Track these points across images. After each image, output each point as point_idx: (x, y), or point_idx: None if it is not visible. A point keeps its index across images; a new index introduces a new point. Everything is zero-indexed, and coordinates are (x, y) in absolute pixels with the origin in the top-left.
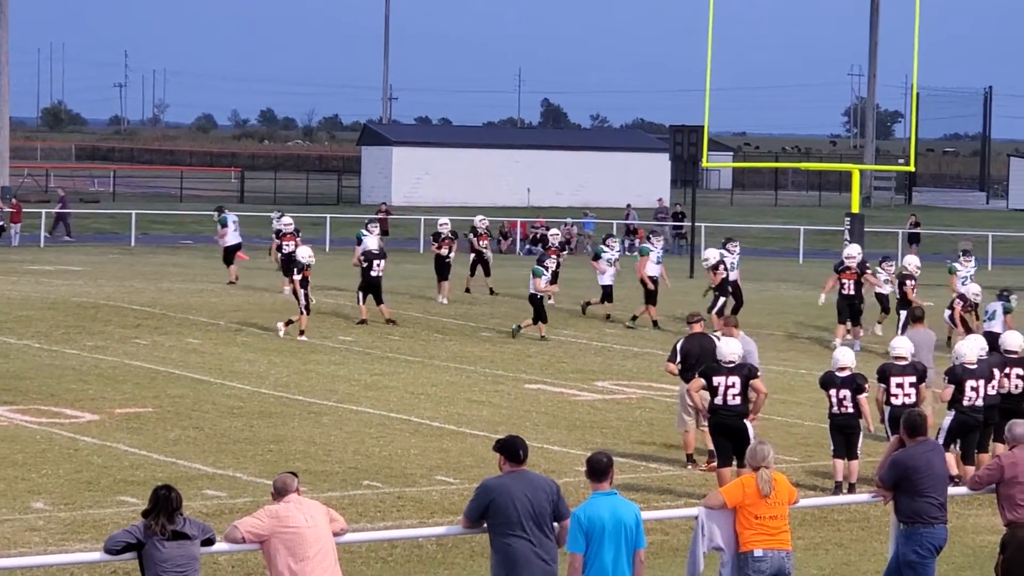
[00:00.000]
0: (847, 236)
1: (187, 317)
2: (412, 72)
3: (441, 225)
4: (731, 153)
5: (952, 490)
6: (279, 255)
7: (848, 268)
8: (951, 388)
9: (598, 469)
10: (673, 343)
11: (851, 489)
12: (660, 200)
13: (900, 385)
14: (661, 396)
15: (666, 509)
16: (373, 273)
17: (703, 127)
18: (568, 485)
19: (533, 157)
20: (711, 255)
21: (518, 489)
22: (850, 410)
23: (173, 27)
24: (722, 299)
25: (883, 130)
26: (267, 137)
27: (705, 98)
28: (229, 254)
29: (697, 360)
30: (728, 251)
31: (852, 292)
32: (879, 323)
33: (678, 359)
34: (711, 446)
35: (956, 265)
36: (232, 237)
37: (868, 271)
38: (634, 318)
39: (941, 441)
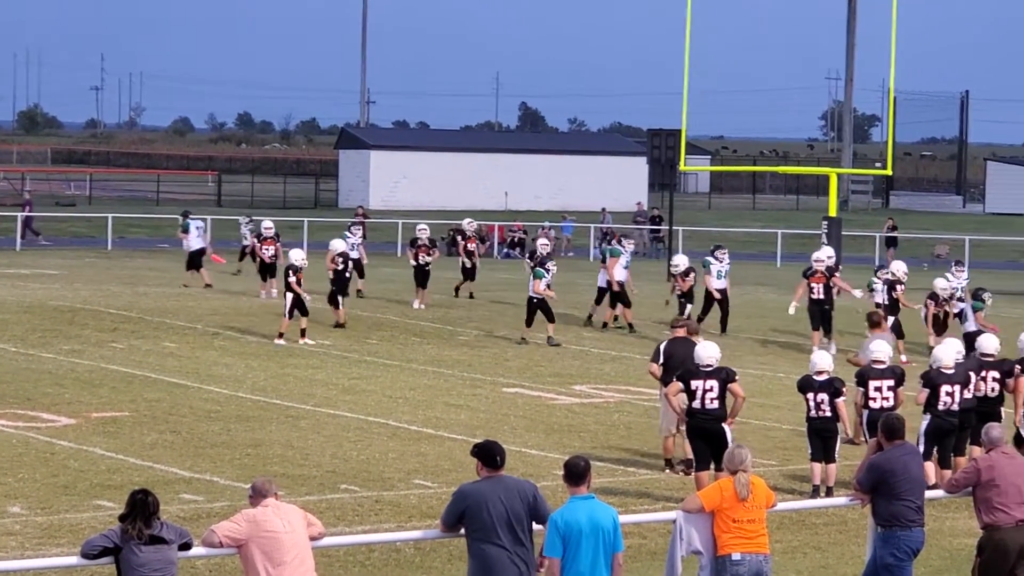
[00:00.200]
0: (824, 240)
1: (164, 321)
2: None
3: (419, 231)
4: (709, 157)
5: (929, 493)
6: (259, 259)
7: (816, 272)
8: (926, 392)
9: (576, 473)
10: (656, 345)
11: (829, 493)
12: (639, 204)
13: (879, 389)
14: (639, 400)
15: (644, 513)
16: (347, 274)
17: (681, 131)
18: (546, 489)
19: (511, 161)
20: (681, 261)
21: (494, 495)
22: (828, 414)
23: (149, 30)
24: (689, 306)
25: (860, 134)
26: (244, 140)
27: (683, 102)
28: (192, 259)
29: (680, 364)
30: (716, 259)
31: (822, 296)
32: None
33: (661, 360)
34: (690, 454)
35: (948, 276)
36: (195, 242)
37: (837, 275)
38: (590, 317)
39: (921, 448)
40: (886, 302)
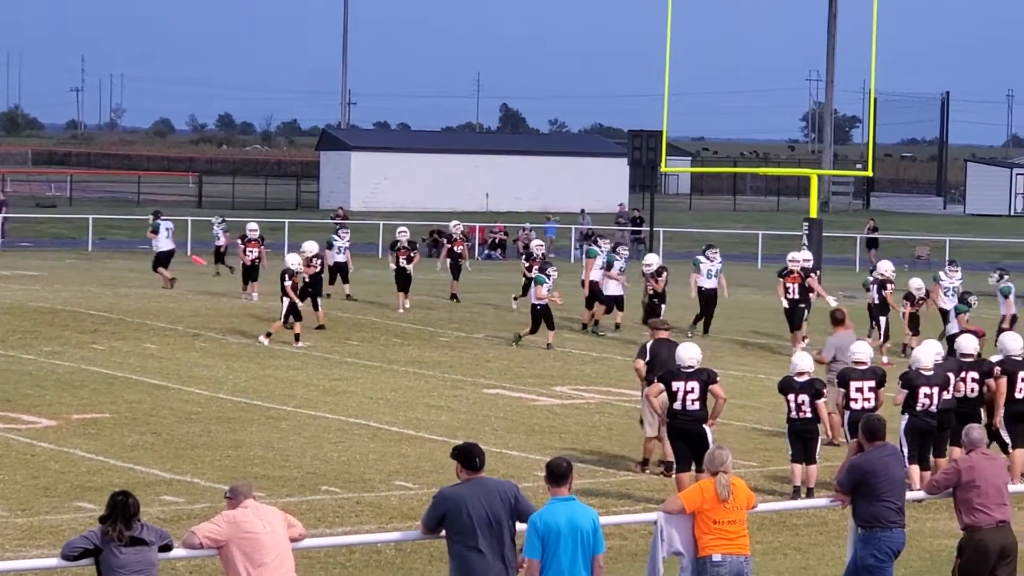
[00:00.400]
0: (805, 241)
1: (144, 322)
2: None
3: (400, 233)
4: (689, 158)
5: (910, 494)
6: (243, 262)
7: (792, 272)
8: (904, 393)
9: (557, 474)
10: (642, 343)
11: (809, 494)
12: (621, 205)
13: (860, 389)
14: (620, 401)
15: (625, 514)
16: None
17: (661, 132)
18: (527, 490)
19: (492, 162)
20: (653, 260)
21: (474, 497)
22: (808, 415)
23: (130, 32)
24: (663, 306)
25: (841, 135)
26: (225, 142)
27: (663, 103)
28: (159, 260)
29: (663, 364)
30: (707, 258)
31: (796, 296)
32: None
33: (647, 357)
34: (670, 456)
35: (941, 274)
36: (164, 243)
37: (813, 277)
38: (584, 326)
39: (905, 451)
40: (877, 302)
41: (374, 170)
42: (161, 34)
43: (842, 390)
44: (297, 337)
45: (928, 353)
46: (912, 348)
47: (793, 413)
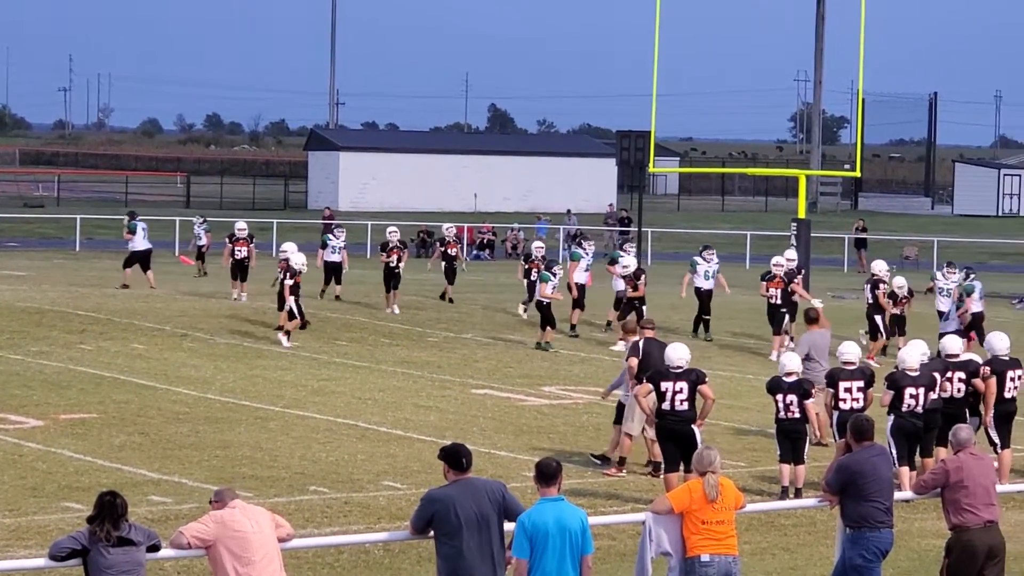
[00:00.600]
0: (793, 241)
1: (132, 322)
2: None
3: (390, 233)
4: (678, 158)
5: (898, 494)
6: (231, 260)
7: (775, 276)
8: (890, 394)
9: (547, 473)
10: (633, 341)
11: (797, 494)
12: (611, 205)
13: (848, 390)
14: (608, 401)
15: (613, 514)
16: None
17: (650, 132)
18: (515, 490)
19: (480, 162)
20: (630, 262)
21: (462, 498)
22: (797, 415)
23: (118, 31)
24: (643, 307)
25: (829, 135)
26: (213, 142)
27: (652, 103)
28: (132, 259)
29: (652, 364)
30: (704, 259)
31: (779, 301)
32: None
33: (640, 355)
34: (658, 456)
35: (939, 275)
36: (140, 243)
37: (796, 282)
38: (572, 327)
39: (894, 452)
40: (871, 301)
41: (362, 170)
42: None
43: (831, 390)
44: (288, 335)
45: (914, 354)
46: (899, 348)
47: (781, 413)
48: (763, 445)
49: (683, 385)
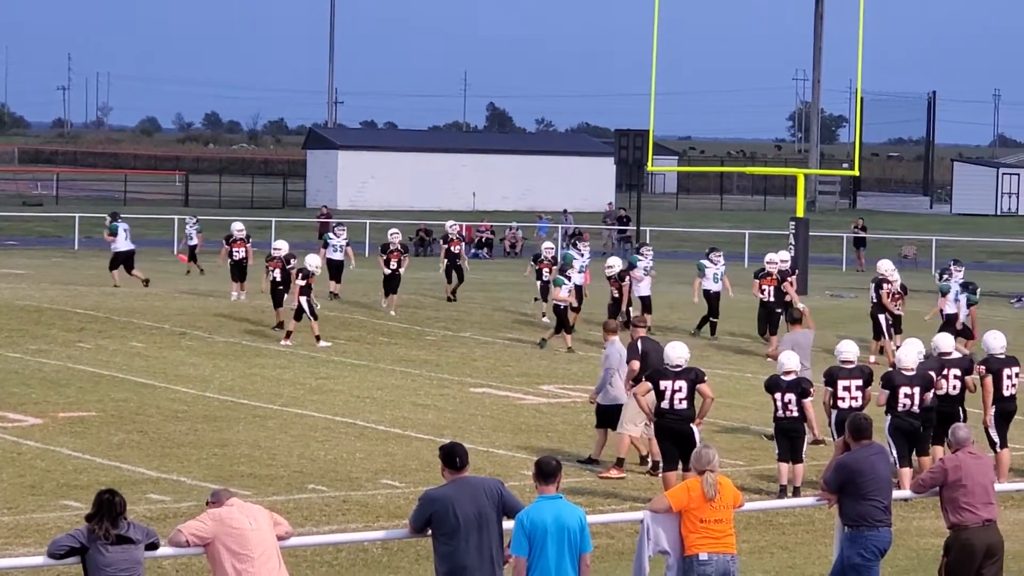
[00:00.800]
0: (792, 240)
1: (131, 321)
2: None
3: (391, 235)
4: (676, 157)
5: (896, 493)
6: (229, 260)
7: (768, 274)
8: (886, 393)
9: (546, 471)
10: (632, 342)
11: (796, 493)
12: (610, 204)
13: (847, 388)
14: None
15: (611, 513)
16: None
17: (648, 131)
18: (513, 489)
19: (479, 161)
20: (615, 263)
21: (461, 498)
22: (795, 414)
23: (117, 30)
24: (632, 308)
25: (828, 135)
26: (212, 141)
27: (650, 102)
28: (116, 260)
29: (651, 363)
30: (711, 261)
31: (772, 299)
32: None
33: (639, 355)
34: (656, 455)
35: (944, 275)
36: (122, 244)
37: (789, 282)
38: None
39: (894, 452)
40: (875, 300)
41: (361, 169)
42: (148, 33)
43: (829, 389)
44: (288, 335)
45: (910, 353)
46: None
47: (780, 412)
48: (761, 444)
49: (682, 384)
